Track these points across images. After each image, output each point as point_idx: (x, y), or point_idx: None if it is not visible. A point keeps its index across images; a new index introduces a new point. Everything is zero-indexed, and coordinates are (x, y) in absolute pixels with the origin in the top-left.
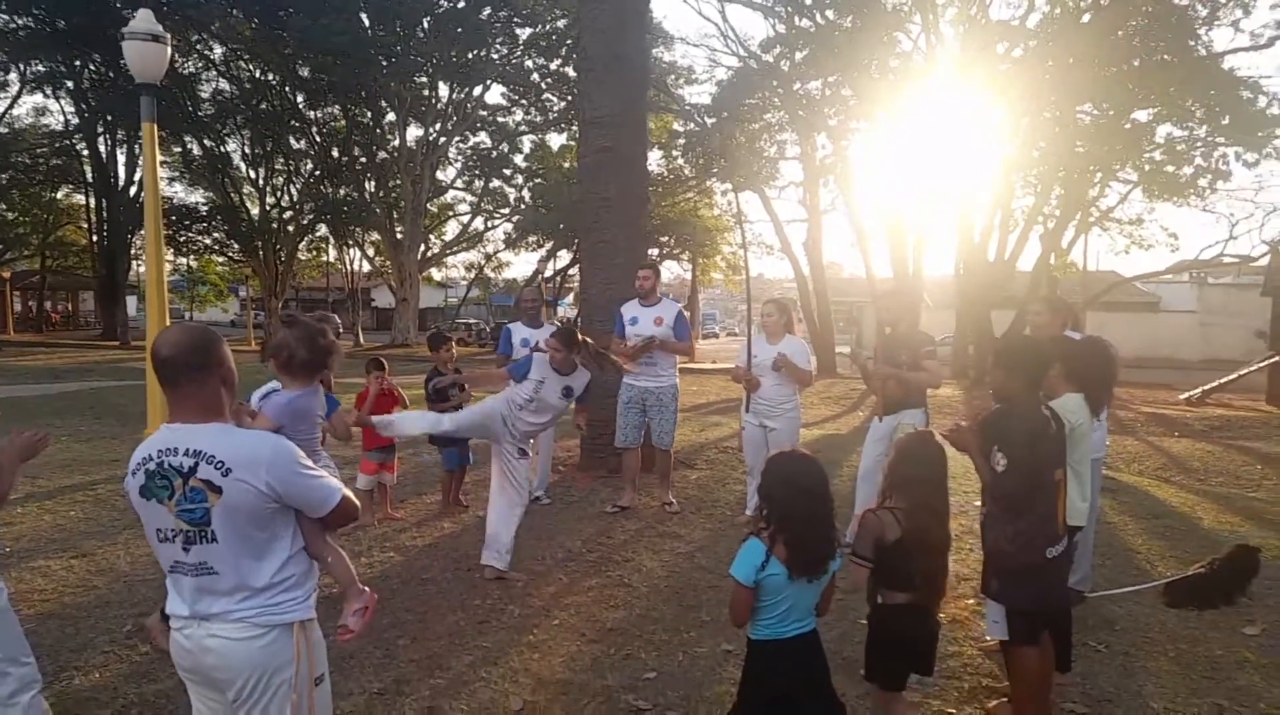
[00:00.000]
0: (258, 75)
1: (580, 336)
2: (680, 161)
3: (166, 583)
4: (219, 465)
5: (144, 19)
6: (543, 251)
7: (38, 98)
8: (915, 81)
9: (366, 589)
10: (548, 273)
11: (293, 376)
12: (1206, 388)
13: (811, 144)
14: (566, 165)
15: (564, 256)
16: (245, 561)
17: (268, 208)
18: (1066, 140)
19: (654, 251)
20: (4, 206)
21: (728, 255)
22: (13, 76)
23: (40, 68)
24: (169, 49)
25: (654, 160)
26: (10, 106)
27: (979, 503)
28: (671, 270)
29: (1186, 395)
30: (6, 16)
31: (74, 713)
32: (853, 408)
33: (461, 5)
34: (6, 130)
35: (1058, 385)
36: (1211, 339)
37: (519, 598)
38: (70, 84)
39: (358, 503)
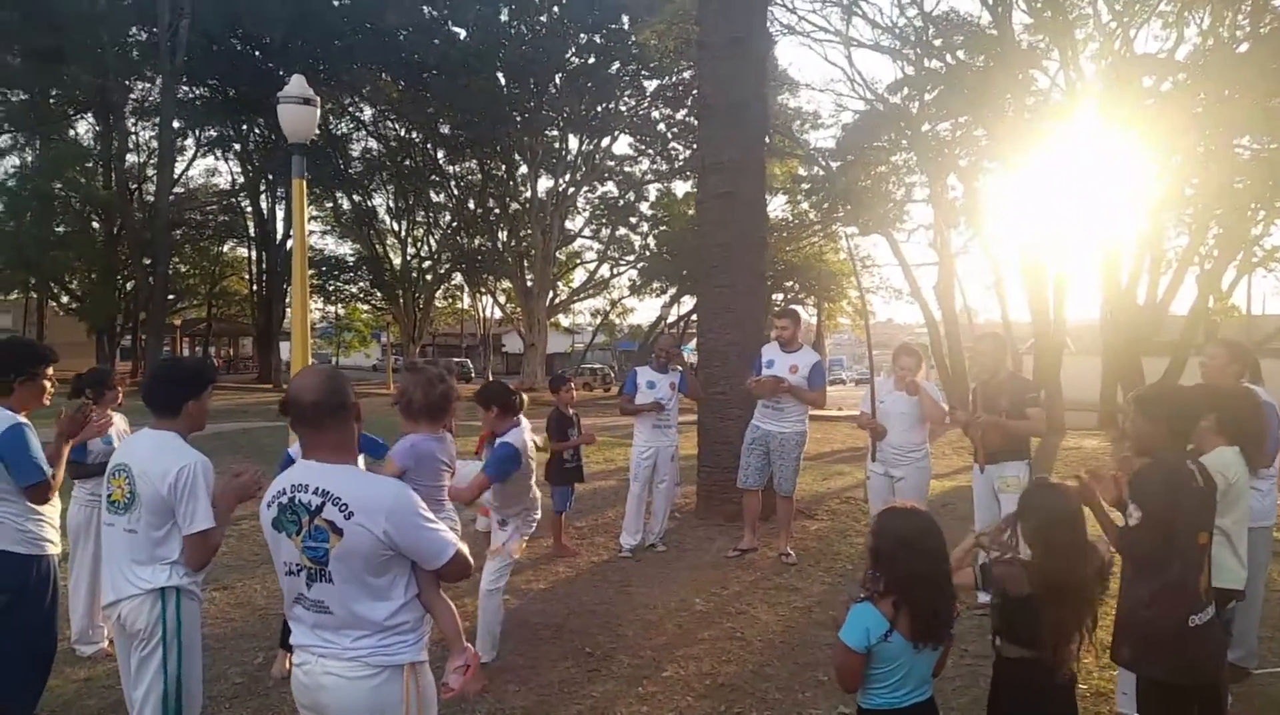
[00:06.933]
0: (402, 133)
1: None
2: (805, 206)
3: (287, 614)
4: (343, 507)
5: (296, 84)
6: (666, 297)
7: (209, 160)
8: (1053, 119)
9: (470, 646)
10: (671, 318)
11: (414, 420)
12: None
13: (942, 185)
14: (690, 212)
15: (687, 302)
16: (359, 604)
17: (408, 258)
18: (1223, 176)
19: (778, 296)
20: (177, 259)
21: (854, 300)
22: (189, 142)
23: (212, 132)
24: (318, 111)
25: (779, 205)
26: (186, 168)
27: None
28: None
29: None
30: (187, 88)
31: None
32: None
33: (592, 61)
34: (183, 190)
35: (1209, 438)
36: None
37: (630, 647)
38: (237, 146)
39: (470, 560)
